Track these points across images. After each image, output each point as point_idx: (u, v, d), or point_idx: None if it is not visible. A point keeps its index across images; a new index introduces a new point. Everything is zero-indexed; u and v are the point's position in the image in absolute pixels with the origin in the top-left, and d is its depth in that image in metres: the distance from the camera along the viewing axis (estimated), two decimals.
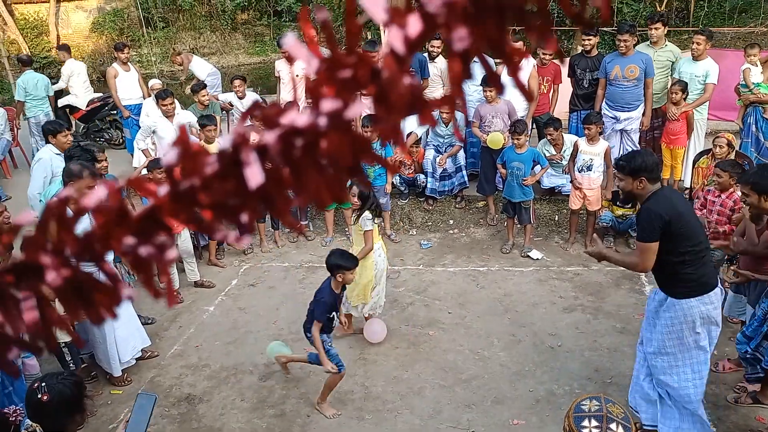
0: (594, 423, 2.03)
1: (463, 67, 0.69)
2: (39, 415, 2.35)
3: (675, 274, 3.46)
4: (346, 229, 7.21)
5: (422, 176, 7.29)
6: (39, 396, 2.34)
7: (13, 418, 2.37)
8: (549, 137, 6.66)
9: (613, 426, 2.02)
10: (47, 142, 5.83)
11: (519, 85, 0.79)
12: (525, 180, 6.31)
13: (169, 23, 22.84)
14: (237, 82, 7.86)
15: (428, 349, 5.20)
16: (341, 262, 4.34)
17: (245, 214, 0.74)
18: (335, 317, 4.51)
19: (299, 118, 0.71)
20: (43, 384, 2.38)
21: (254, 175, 0.71)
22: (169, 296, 0.83)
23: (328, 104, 0.68)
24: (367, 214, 4.92)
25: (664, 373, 3.64)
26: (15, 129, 9.07)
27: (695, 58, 6.65)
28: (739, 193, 4.69)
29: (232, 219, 0.73)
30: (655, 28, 6.69)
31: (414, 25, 0.67)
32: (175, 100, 7.01)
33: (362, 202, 4.93)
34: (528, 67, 7.00)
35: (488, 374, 4.84)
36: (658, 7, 17.02)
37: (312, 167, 0.71)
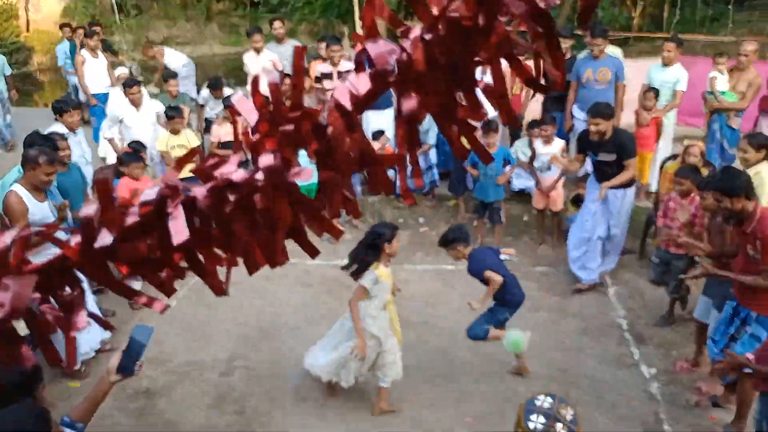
0: (541, 419, 2.05)
1: (410, 130, 0.65)
2: None
3: None
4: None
5: (392, 172, 7.26)
6: None
7: None
8: (543, 133, 6.53)
9: (558, 426, 2.04)
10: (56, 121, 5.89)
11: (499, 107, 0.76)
12: (498, 179, 6.33)
13: (142, 11, 22.46)
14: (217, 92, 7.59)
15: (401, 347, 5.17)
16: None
17: (166, 272, 0.68)
18: None
19: (235, 172, 0.65)
20: None
21: (179, 230, 0.64)
22: (69, 359, 0.78)
23: (267, 159, 0.62)
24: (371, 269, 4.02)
25: None
26: None
27: (665, 65, 6.74)
28: (698, 199, 4.78)
29: (151, 277, 0.68)
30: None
31: (364, 83, 0.62)
32: (142, 89, 6.87)
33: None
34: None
35: (452, 371, 4.85)
36: (633, 13, 17.28)
37: (245, 225, 0.65)
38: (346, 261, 6.47)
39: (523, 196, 7.26)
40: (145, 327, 2.56)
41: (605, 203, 5.62)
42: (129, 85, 6.69)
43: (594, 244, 5.71)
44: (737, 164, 5.18)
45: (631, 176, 5.53)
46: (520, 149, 7.08)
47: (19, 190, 4.26)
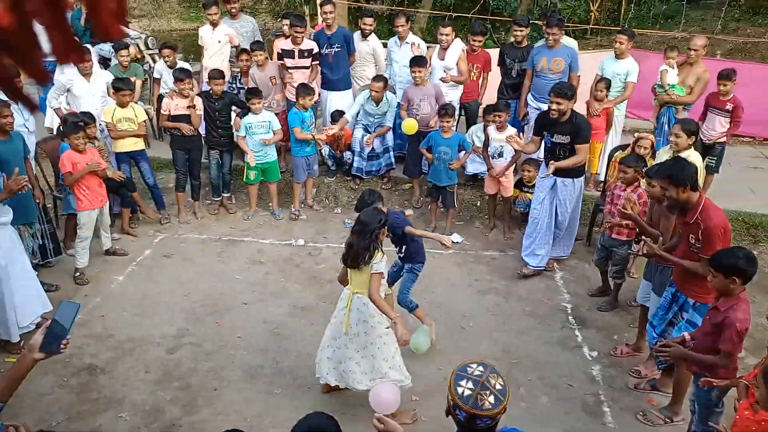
0: (469, 385, 2.10)
1: None
2: None
3: None
4: (270, 204, 7.09)
5: (349, 153, 7.26)
6: None
7: None
8: (497, 119, 6.57)
9: (485, 393, 2.09)
10: None
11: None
12: (451, 164, 6.37)
13: None
14: (166, 52, 7.52)
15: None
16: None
17: None
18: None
19: None
20: None
21: None
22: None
23: None
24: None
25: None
26: None
27: (617, 57, 6.89)
28: (643, 188, 4.93)
29: None
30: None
31: None
32: (93, 59, 6.65)
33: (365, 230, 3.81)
34: (456, 49, 7.09)
35: (401, 350, 4.89)
36: (592, 7, 17.56)
37: None
38: (301, 241, 6.51)
39: (477, 181, 7.34)
40: (72, 303, 2.46)
41: (554, 190, 5.74)
42: None
43: (541, 230, 5.83)
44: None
45: (581, 161, 5.64)
46: (474, 134, 7.15)
47: None
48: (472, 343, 5.04)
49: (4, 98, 5.32)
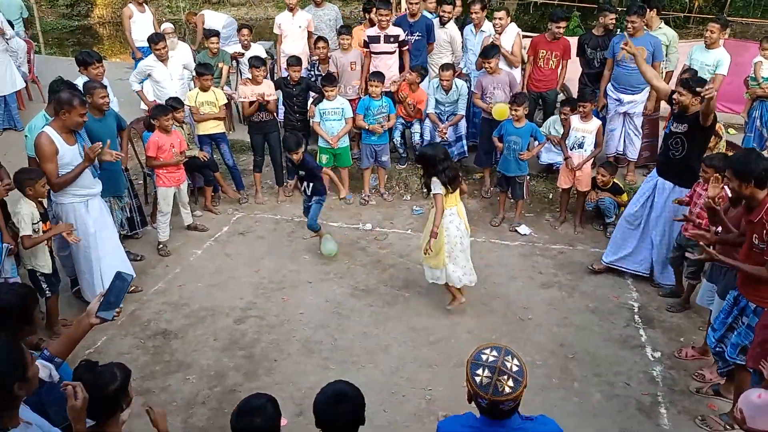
0: (486, 373, 2.10)
1: None
2: None
3: None
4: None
5: (417, 127, 7.31)
6: None
7: None
8: (563, 116, 6.55)
9: (503, 378, 2.09)
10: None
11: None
12: (522, 154, 6.29)
13: None
14: (244, 31, 7.88)
15: (402, 310, 5.31)
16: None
17: None
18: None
19: None
20: None
21: None
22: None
23: None
24: (434, 179, 4.81)
25: None
26: (32, 61, 9.22)
27: (708, 47, 6.53)
28: (727, 190, 4.65)
29: None
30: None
31: None
32: (176, 39, 7.06)
33: (426, 166, 4.88)
34: (511, 33, 6.99)
35: (455, 339, 4.95)
36: None
37: None
38: (368, 225, 6.68)
39: (552, 172, 7.21)
40: (127, 275, 2.69)
41: (653, 192, 5.37)
42: (154, 40, 6.87)
43: (637, 236, 5.54)
44: None
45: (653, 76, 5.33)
46: (552, 126, 7.01)
47: (50, 132, 4.51)
48: (530, 335, 5.01)
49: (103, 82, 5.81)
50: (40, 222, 4.50)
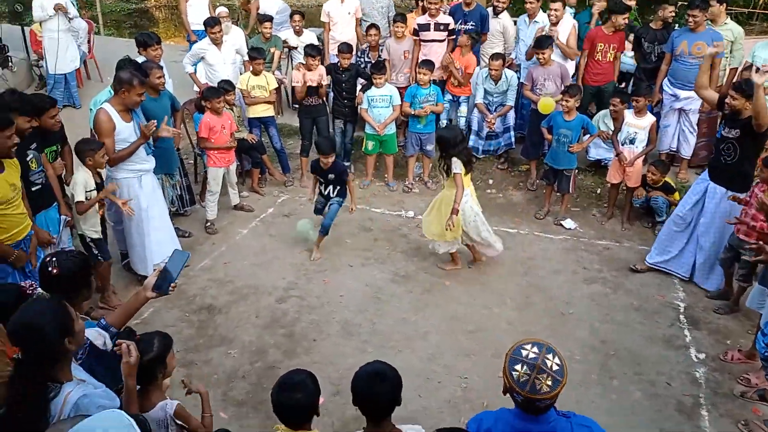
0: (525, 369, 2.05)
1: None
2: (49, 287, 2.63)
3: None
4: (385, 175, 7.32)
5: (463, 109, 7.33)
6: (50, 269, 2.61)
7: (30, 291, 2.66)
8: (612, 108, 6.42)
9: (542, 376, 2.04)
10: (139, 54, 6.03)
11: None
12: (572, 147, 6.18)
13: None
14: (296, 17, 7.97)
15: (441, 297, 5.32)
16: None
17: None
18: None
19: None
20: (54, 259, 2.65)
21: None
22: None
23: None
24: (455, 159, 5.14)
25: None
26: (91, 41, 9.53)
27: None
28: None
29: None
30: (712, 4, 6.34)
31: None
32: (230, 24, 7.16)
33: (445, 147, 5.21)
34: (567, 24, 6.86)
35: (494, 329, 4.94)
36: None
37: None
38: (411, 213, 6.69)
39: (600, 167, 7.07)
40: (183, 252, 2.82)
41: (704, 196, 5.25)
42: (210, 24, 6.99)
43: (686, 239, 5.45)
44: None
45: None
46: (602, 119, 6.87)
47: (109, 108, 4.68)
48: (571, 330, 4.95)
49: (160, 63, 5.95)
50: (95, 190, 4.65)
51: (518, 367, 2.07)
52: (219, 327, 4.94)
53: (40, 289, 2.66)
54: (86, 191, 4.58)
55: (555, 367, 2.06)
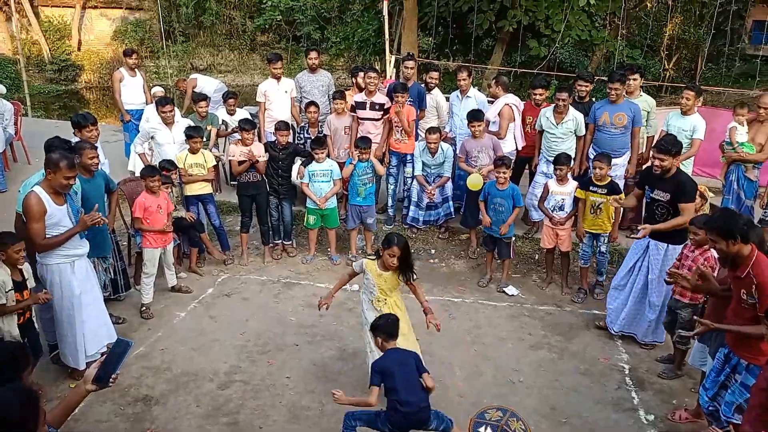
0: (489, 431, 2.06)
1: None
2: None
3: None
4: (328, 249, 7.28)
5: (408, 169, 7.45)
6: None
7: None
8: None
9: None
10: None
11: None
12: (501, 227, 6.35)
13: (189, 38, 23.35)
14: (230, 101, 8.15)
15: None
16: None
17: None
18: None
19: None
20: None
21: None
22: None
23: None
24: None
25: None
26: (19, 124, 9.27)
27: (684, 113, 6.76)
28: (714, 253, 4.69)
29: None
30: (633, 79, 6.87)
31: None
32: (175, 108, 7.16)
33: (408, 255, 4.57)
34: (500, 104, 7.22)
35: (446, 402, 4.81)
36: (667, 66, 17.29)
37: None
38: (355, 286, 6.61)
39: (536, 233, 7.28)
40: (125, 341, 2.67)
41: (646, 255, 5.44)
42: (162, 103, 6.97)
43: (629, 301, 5.59)
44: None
45: (682, 222, 5.03)
46: (534, 191, 7.13)
47: (40, 191, 4.47)
48: (521, 398, 4.91)
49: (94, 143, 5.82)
50: (12, 290, 4.30)
51: (481, 429, 2.08)
52: (156, 419, 4.63)
53: None
54: (5, 291, 4.24)
55: (520, 430, 2.06)
